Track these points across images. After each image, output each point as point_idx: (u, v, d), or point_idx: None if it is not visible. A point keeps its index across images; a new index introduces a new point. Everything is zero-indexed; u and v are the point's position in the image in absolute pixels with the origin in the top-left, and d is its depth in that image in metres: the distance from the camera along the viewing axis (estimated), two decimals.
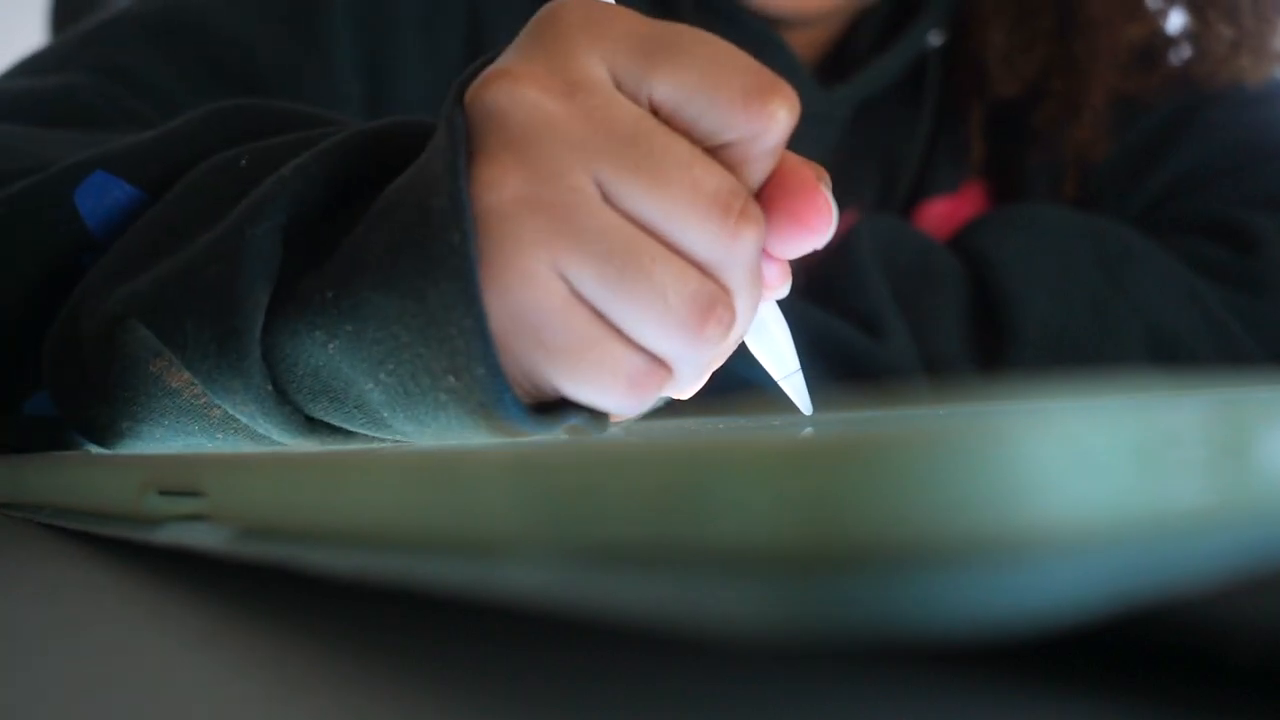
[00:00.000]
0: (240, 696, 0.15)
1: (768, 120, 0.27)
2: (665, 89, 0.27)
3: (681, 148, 0.27)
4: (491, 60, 0.29)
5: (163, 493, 0.24)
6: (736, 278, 0.27)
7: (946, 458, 0.11)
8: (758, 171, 0.28)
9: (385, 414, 0.29)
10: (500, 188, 0.26)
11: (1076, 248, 0.56)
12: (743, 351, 0.50)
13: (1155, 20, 0.63)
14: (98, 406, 0.32)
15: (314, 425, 0.31)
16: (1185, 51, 0.63)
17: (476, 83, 0.28)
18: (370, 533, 0.18)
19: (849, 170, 0.63)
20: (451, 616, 0.18)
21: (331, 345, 0.28)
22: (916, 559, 0.11)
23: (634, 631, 0.14)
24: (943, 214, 0.64)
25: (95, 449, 0.35)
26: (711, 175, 0.27)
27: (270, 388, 0.29)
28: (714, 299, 0.27)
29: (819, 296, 0.55)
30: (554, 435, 0.28)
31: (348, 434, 0.31)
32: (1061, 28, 0.63)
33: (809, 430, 0.27)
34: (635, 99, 0.27)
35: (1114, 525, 0.12)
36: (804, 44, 0.61)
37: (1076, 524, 0.11)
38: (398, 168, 0.30)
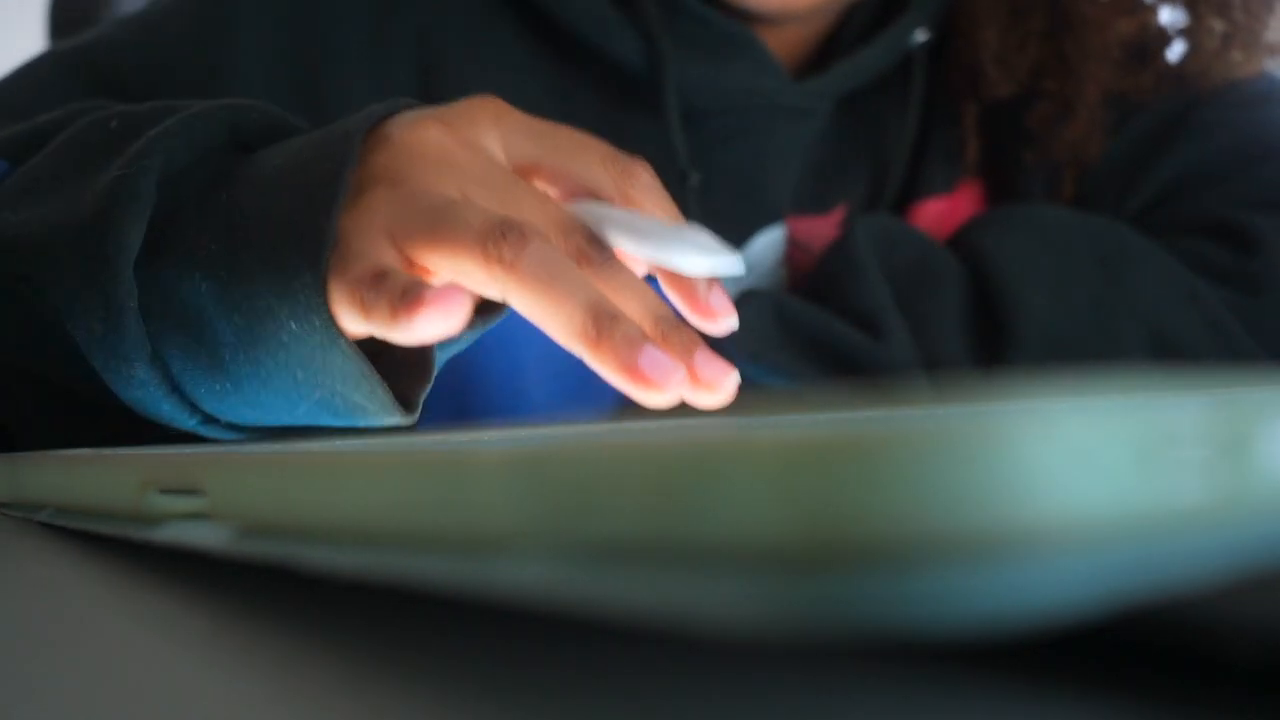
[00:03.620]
0: (241, 696, 0.15)
1: (613, 168, 0.36)
2: (533, 150, 0.36)
3: (515, 188, 0.35)
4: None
5: (163, 491, 0.24)
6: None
7: (946, 457, 0.11)
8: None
9: (226, 355, 0.35)
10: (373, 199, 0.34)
11: (1076, 247, 0.56)
12: (741, 348, 0.50)
13: (1146, 14, 0.63)
14: None
15: (155, 361, 0.36)
16: (1178, 47, 0.63)
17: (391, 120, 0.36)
18: (370, 531, 0.18)
19: (834, 166, 0.63)
20: (451, 616, 0.18)
21: (205, 285, 0.35)
22: (916, 558, 0.11)
23: (634, 630, 0.14)
24: (938, 214, 0.64)
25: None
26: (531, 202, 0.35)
27: (134, 304, 0.35)
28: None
29: (818, 296, 0.55)
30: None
31: (192, 410, 0.37)
32: (1053, 27, 0.63)
33: (810, 430, 0.27)
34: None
35: (1114, 525, 0.12)
36: (787, 40, 0.61)
37: (1076, 524, 0.11)
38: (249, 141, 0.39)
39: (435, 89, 0.56)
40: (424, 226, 0.33)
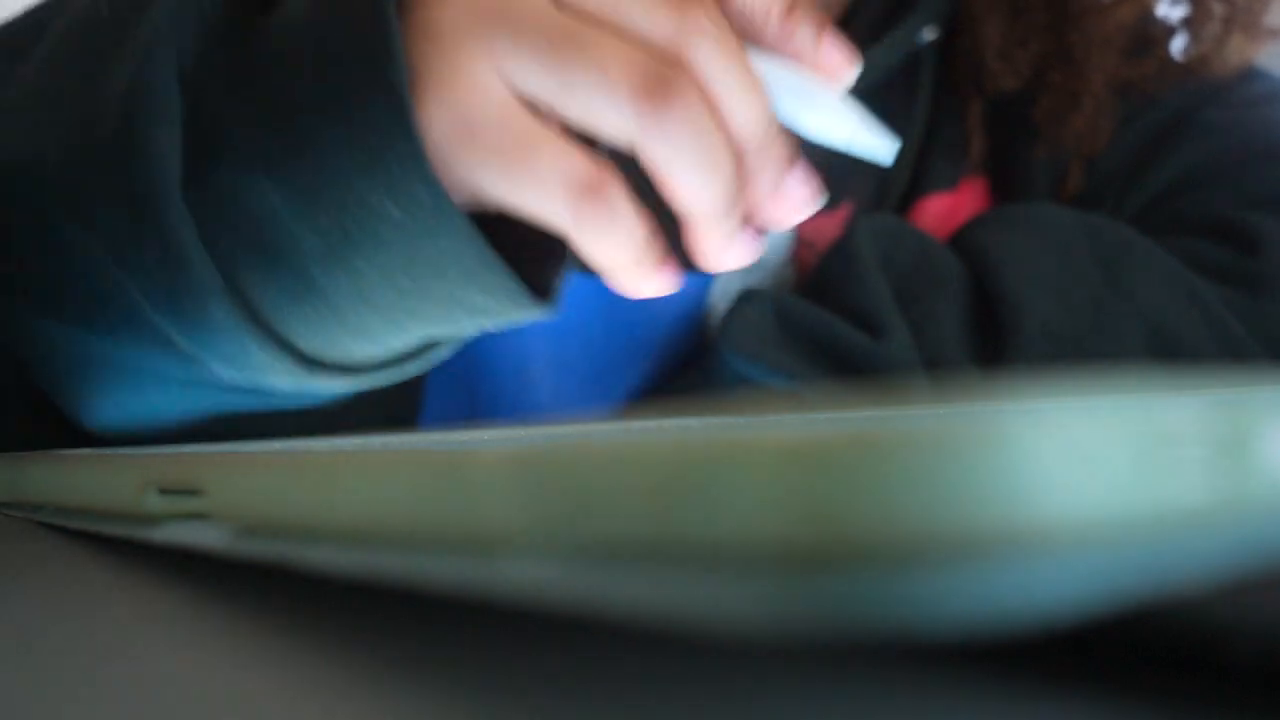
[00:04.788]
0: (241, 696, 0.15)
1: None
2: None
3: None
4: None
5: (163, 491, 0.24)
6: (701, 52, 0.27)
7: (946, 457, 0.11)
8: None
9: (315, 270, 0.28)
10: (448, 2, 0.26)
11: (1076, 246, 0.56)
12: (740, 348, 0.50)
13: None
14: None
15: (235, 295, 0.29)
16: (1181, 36, 0.64)
17: None
18: (370, 531, 0.18)
19: (842, 164, 0.63)
20: (451, 616, 0.18)
21: (272, 190, 0.28)
22: (916, 558, 0.11)
23: (634, 631, 0.14)
24: (941, 211, 0.64)
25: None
26: None
27: (197, 238, 0.28)
28: (666, 76, 0.26)
29: (819, 295, 0.55)
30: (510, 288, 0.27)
31: (271, 340, 0.30)
32: (1055, 19, 0.63)
33: (810, 429, 0.27)
34: None
35: (1113, 525, 0.12)
36: None
37: (1076, 523, 0.11)
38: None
39: None
40: (548, 59, 0.26)
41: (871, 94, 0.64)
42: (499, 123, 0.26)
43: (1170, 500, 0.12)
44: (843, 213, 0.62)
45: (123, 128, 0.28)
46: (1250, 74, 0.65)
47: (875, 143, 0.29)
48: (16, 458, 0.34)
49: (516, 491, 0.15)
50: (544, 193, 0.26)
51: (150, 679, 0.16)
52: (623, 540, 0.14)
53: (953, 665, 0.14)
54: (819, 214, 0.62)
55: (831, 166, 0.64)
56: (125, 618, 0.21)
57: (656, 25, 0.26)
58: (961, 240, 0.58)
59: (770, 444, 0.12)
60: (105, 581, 0.24)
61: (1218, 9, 0.63)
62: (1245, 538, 0.13)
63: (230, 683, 0.16)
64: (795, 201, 0.29)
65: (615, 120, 0.26)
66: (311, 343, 0.30)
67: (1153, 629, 0.14)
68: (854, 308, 0.53)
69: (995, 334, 0.54)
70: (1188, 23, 0.64)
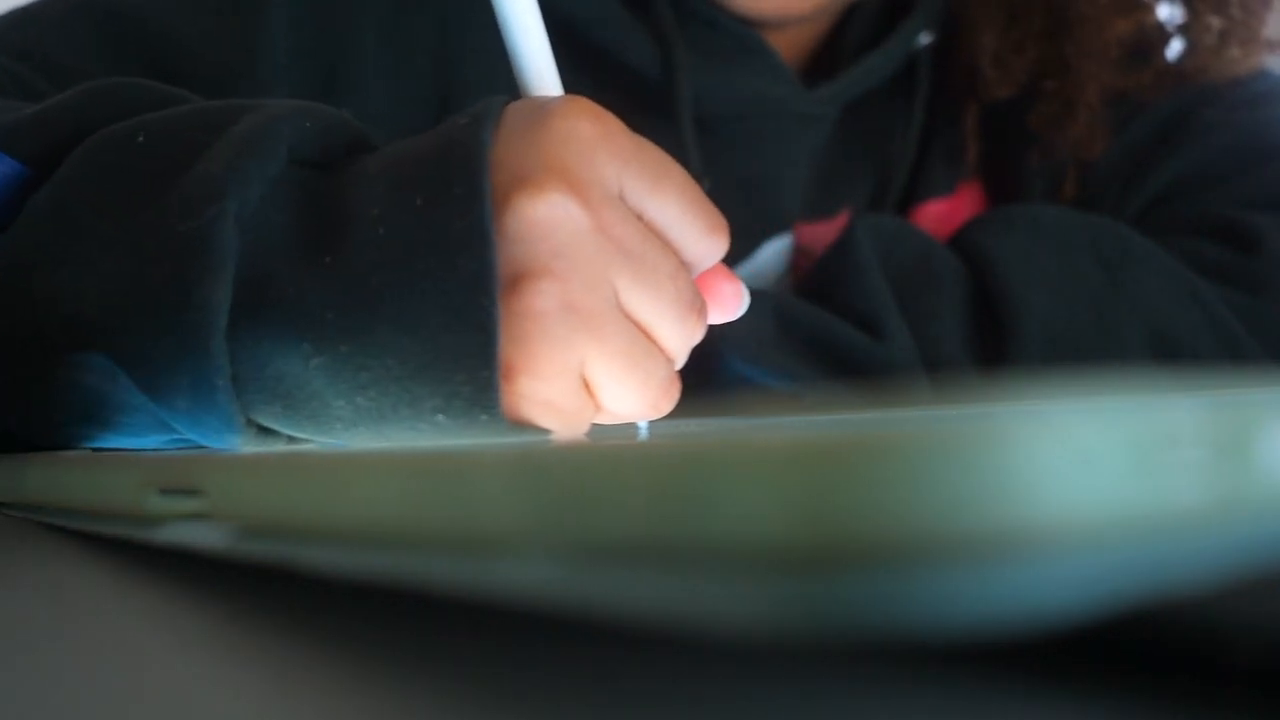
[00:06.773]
0: (241, 696, 0.15)
1: (717, 250, 0.34)
2: (658, 212, 0.32)
3: (669, 261, 0.32)
4: (478, 115, 0.32)
5: (163, 492, 0.24)
6: (682, 359, 0.34)
7: (946, 458, 0.11)
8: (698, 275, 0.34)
9: (340, 428, 0.31)
10: (550, 295, 0.30)
11: (1076, 247, 0.56)
12: (741, 348, 0.50)
13: (1144, 13, 0.63)
14: (10, 399, 0.33)
15: (248, 425, 0.31)
16: (1176, 46, 0.63)
17: (520, 188, 0.30)
18: (370, 532, 0.18)
19: (840, 171, 0.63)
20: (451, 616, 0.18)
21: (315, 360, 0.30)
22: (916, 559, 0.11)
23: (634, 631, 0.14)
24: (939, 215, 0.64)
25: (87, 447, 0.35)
26: (686, 285, 0.33)
27: (225, 381, 0.30)
28: (672, 383, 0.33)
29: (819, 296, 0.55)
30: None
31: (279, 437, 0.32)
32: (1051, 27, 0.63)
33: (810, 430, 0.27)
34: (634, 212, 0.32)
35: (1113, 525, 0.12)
36: (790, 44, 0.61)
37: (1076, 524, 0.11)
38: (321, 158, 0.32)
39: (453, 82, 0.55)
40: (617, 366, 0.31)
41: (869, 99, 0.64)
42: (574, 401, 0.31)
43: (1170, 501, 0.12)
44: (841, 219, 0.62)
45: (177, 276, 0.29)
46: (1248, 73, 0.65)
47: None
48: (17, 458, 0.34)
49: (518, 493, 0.15)
50: (576, 432, 0.32)
51: (150, 679, 0.16)
52: (624, 542, 0.14)
53: (953, 665, 0.14)
54: (819, 222, 0.62)
55: (830, 173, 0.64)
56: (125, 618, 0.21)
57: (677, 341, 0.33)
58: (961, 240, 0.58)
59: (772, 447, 0.12)
60: (105, 581, 0.24)
61: (1215, 21, 0.62)
62: (1245, 538, 0.13)
63: (230, 683, 0.16)
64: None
65: (632, 410, 0.33)
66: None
67: (1153, 629, 0.14)
68: (854, 308, 0.53)
69: (995, 334, 0.54)
70: (1184, 30, 0.63)
